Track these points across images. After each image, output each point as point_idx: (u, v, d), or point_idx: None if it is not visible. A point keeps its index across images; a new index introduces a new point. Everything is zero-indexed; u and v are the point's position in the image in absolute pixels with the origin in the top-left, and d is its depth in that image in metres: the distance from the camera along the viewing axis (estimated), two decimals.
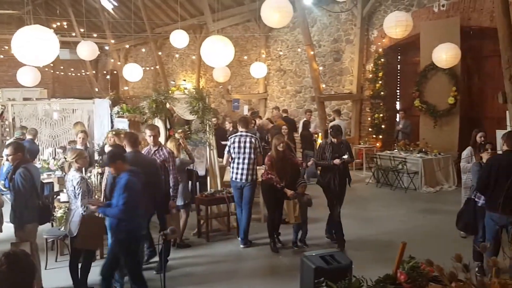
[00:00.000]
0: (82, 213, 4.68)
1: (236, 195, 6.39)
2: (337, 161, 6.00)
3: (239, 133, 6.46)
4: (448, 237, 6.20)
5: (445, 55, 8.71)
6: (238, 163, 6.26)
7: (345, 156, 6.04)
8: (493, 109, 9.78)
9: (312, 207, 6.28)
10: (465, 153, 6.58)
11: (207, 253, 6.13)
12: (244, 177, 6.21)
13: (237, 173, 6.26)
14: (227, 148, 6.46)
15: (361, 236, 6.61)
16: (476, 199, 5.09)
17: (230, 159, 6.40)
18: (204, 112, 7.36)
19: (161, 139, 7.48)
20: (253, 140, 6.33)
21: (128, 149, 5.11)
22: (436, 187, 9.61)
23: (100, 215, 4.60)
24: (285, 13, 6.99)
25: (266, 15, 7.10)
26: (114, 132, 7.98)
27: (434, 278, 2.69)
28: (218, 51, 6.61)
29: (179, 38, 11.29)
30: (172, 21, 17.96)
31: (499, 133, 6.86)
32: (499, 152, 5.23)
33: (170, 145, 6.35)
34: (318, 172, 6.72)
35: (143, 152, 5.68)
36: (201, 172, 7.63)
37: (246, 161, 6.23)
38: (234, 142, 6.34)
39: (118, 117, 9.23)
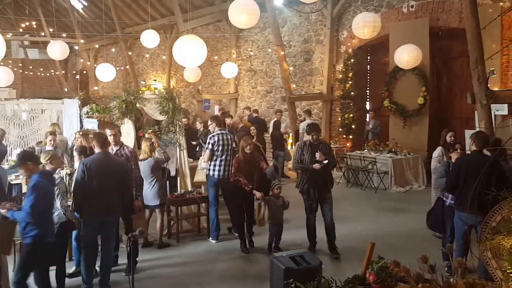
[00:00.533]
0: (63, 214, 4.57)
1: (213, 193, 6.42)
2: (316, 165, 5.62)
3: (219, 131, 6.57)
4: (418, 236, 6.25)
5: (407, 56, 8.86)
6: (221, 161, 6.39)
7: (325, 161, 5.65)
8: (462, 109, 10.02)
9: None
10: (436, 153, 6.64)
11: (177, 254, 6.04)
12: (226, 173, 6.39)
13: (219, 170, 6.38)
14: (209, 146, 6.49)
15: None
16: (444, 199, 5.14)
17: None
18: (174, 113, 7.24)
19: (131, 139, 7.34)
20: (233, 138, 6.67)
21: (96, 150, 4.97)
22: (405, 187, 9.74)
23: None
24: (252, 14, 6.94)
25: (233, 16, 7.03)
26: (81, 133, 7.75)
27: (403, 278, 2.67)
28: (190, 51, 6.45)
29: (149, 38, 11.12)
30: (143, 21, 17.65)
31: (468, 133, 7.01)
32: (468, 152, 5.29)
33: (144, 145, 6.30)
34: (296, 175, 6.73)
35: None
36: (171, 172, 7.46)
37: (229, 157, 6.42)
38: (219, 140, 6.45)
39: (88, 117, 9.03)
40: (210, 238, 6.51)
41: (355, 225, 7.14)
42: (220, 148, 6.41)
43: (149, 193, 6.13)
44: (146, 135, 7.22)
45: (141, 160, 6.19)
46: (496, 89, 8.15)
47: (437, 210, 5.24)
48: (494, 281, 2.98)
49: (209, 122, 6.93)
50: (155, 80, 18.88)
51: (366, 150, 10.53)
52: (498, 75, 8.57)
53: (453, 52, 10.41)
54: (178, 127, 7.26)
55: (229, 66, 12.64)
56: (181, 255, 6.00)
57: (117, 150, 5.67)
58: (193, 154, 8.97)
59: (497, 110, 8.03)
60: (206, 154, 6.56)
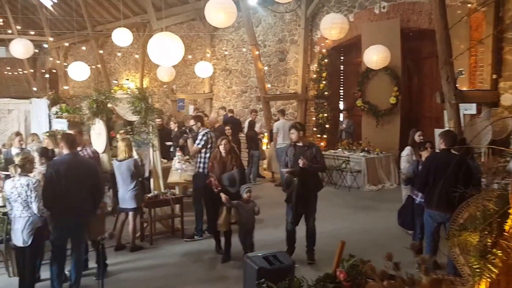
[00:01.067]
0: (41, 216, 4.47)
1: (201, 190, 6.31)
2: (301, 162, 5.18)
3: (206, 130, 6.69)
4: (390, 234, 6.35)
5: (376, 56, 9.00)
6: (208, 158, 6.35)
7: (300, 162, 5.18)
8: (432, 109, 10.25)
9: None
10: (404, 153, 6.71)
11: (150, 257, 5.94)
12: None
13: (206, 168, 6.30)
14: (202, 142, 6.46)
15: (304, 236, 6.59)
16: (414, 197, 5.24)
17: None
18: (147, 113, 7.12)
19: (103, 140, 7.18)
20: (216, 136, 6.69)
21: (65, 151, 4.82)
22: (378, 185, 9.90)
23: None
24: (229, 13, 6.88)
25: (210, 15, 6.94)
26: (48, 134, 7.54)
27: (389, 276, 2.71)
28: (167, 49, 6.25)
29: (121, 36, 10.94)
30: (114, 18, 17.31)
31: (437, 132, 7.16)
32: (437, 151, 5.41)
33: (122, 145, 6.15)
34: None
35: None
36: (145, 173, 7.33)
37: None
38: (211, 137, 6.51)
39: (57, 117, 8.80)
40: (196, 236, 6.48)
41: (328, 224, 7.17)
42: (209, 146, 6.44)
43: (127, 195, 5.99)
44: (118, 136, 7.10)
45: (120, 161, 6.05)
46: (464, 89, 8.40)
47: (407, 208, 5.34)
48: (462, 277, 3.05)
49: (193, 122, 6.91)
50: (127, 80, 18.56)
51: (340, 149, 10.64)
52: (466, 75, 8.81)
53: (423, 52, 10.65)
54: (151, 127, 7.15)
55: (203, 65, 12.55)
56: (155, 258, 5.90)
57: (79, 151, 5.58)
58: (167, 155, 8.84)
59: (466, 110, 8.27)
60: (195, 148, 6.50)
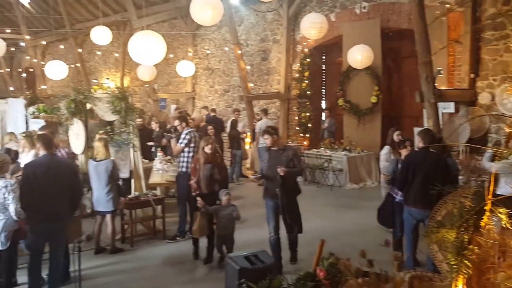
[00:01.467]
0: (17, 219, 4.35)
1: (185, 190, 6.15)
2: (279, 170, 4.91)
3: (190, 129, 6.66)
4: (371, 231, 6.40)
5: (360, 56, 9.08)
6: (192, 157, 6.28)
7: (280, 171, 4.90)
8: (412, 108, 10.39)
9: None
10: (383, 152, 6.77)
11: (130, 259, 5.85)
12: None
13: (190, 167, 6.20)
14: (185, 141, 6.39)
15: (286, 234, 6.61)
16: (394, 195, 5.30)
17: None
18: (127, 112, 7.02)
19: (81, 141, 7.05)
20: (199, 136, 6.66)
21: (42, 152, 4.70)
22: (360, 184, 9.99)
23: None
24: (217, 9, 6.82)
25: (196, 12, 6.85)
26: (24, 134, 7.36)
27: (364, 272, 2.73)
28: (148, 47, 6.14)
29: (100, 35, 10.79)
30: (94, 16, 17.02)
31: (417, 131, 7.26)
32: (416, 149, 5.48)
33: (99, 145, 6.05)
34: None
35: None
36: (125, 174, 7.22)
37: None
38: (194, 136, 6.46)
39: (34, 117, 8.62)
40: (177, 237, 6.40)
41: (311, 223, 7.19)
42: (192, 145, 6.38)
43: (103, 197, 5.88)
44: (97, 136, 6.97)
45: (98, 161, 5.94)
46: (443, 88, 8.54)
47: (387, 206, 5.40)
48: (441, 274, 3.09)
49: (177, 122, 6.84)
50: (108, 79, 18.28)
51: (322, 148, 10.70)
52: (445, 75, 8.97)
53: (403, 52, 10.80)
54: (131, 127, 7.06)
55: (185, 64, 12.46)
56: (135, 260, 5.81)
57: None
58: (149, 155, 8.74)
59: (444, 108, 8.42)
60: (178, 147, 6.43)
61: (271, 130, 5.25)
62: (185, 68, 12.42)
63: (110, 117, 7.14)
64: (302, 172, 5.64)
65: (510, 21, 7.73)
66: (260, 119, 11.00)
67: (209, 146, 5.56)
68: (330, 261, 2.73)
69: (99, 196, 5.91)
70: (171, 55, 15.39)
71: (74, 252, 3.74)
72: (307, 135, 12.31)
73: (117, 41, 16.30)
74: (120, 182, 6.83)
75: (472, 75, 8.54)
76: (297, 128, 12.44)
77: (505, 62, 8.18)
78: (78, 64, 19.52)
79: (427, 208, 4.20)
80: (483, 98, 8.42)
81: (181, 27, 15.30)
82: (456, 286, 2.36)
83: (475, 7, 8.37)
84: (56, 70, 11.38)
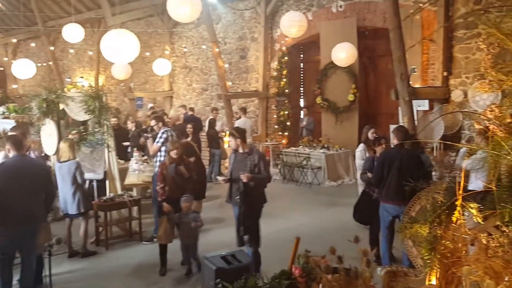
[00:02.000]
0: None
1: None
2: (242, 177, 4.64)
3: (167, 128, 6.61)
4: (348, 228, 6.42)
5: (346, 54, 9.13)
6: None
7: (242, 177, 4.58)
8: (388, 105, 10.53)
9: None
10: (358, 150, 6.83)
11: (105, 262, 5.71)
12: None
13: None
14: (161, 140, 6.32)
15: (265, 233, 6.57)
16: (370, 192, 5.34)
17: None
18: (101, 112, 6.86)
19: (54, 141, 6.85)
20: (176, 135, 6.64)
21: (12, 153, 4.52)
22: (338, 181, 10.07)
23: None
24: (195, 4, 6.73)
25: (174, 9, 6.75)
26: None
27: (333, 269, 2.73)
28: (121, 46, 6.05)
29: (72, 32, 10.51)
30: (67, 13, 16.62)
31: (392, 128, 7.35)
32: (391, 146, 5.54)
33: (64, 145, 5.88)
34: None
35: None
36: (99, 175, 7.06)
37: None
38: (171, 136, 6.39)
39: (4, 118, 8.37)
40: (154, 239, 6.19)
41: (289, 221, 7.24)
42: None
43: (69, 199, 5.71)
44: (70, 136, 6.81)
45: (62, 162, 5.78)
46: (417, 86, 8.69)
47: (363, 203, 5.44)
48: (416, 269, 3.13)
49: (154, 122, 6.73)
50: (82, 77, 17.90)
51: (301, 146, 10.74)
52: (419, 73, 9.12)
53: (379, 50, 10.93)
54: (106, 127, 6.90)
55: (161, 62, 12.29)
56: (111, 262, 5.69)
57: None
58: (124, 156, 8.57)
59: (419, 106, 8.56)
60: (155, 147, 6.34)
61: (235, 133, 4.95)
62: (161, 67, 12.24)
63: (83, 116, 6.97)
64: (268, 179, 4.92)
65: (481, 20, 7.91)
66: (239, 117, 10.95)
67: (175, 151, 5.40)
68: (306, 258, 2.73)
69: (65, 198, 5.74)
70: (148, 53, 15.19)
71: (45, 256, 3.61)
72: (286, 134, 12.34)
73: (91, 39, 16.00)
74: (95, 184, 6.70)
75: (445, 73, 8.71)
76: (276, 126, 12.45)
77: (477, 60, 8.37)
78: (50, 63, 19.04)
79: (402, 204, 4.24)
80: (456, 95, 8.61)
81: (157, 24, 15.09)
82: (429, 280, 2.38)
83: (447, 6, 8.54)
84: (24, 68, 10.96)
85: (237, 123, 10.37)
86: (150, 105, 14.41)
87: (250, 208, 4.78)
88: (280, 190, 9.67)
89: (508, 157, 1.85)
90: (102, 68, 17.55)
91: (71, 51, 18.45)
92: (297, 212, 7.77)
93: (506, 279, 1.65)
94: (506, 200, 1.89)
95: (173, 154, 5.41)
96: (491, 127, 2.33)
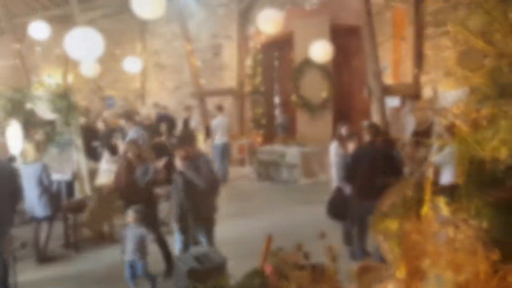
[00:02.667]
0: None
1: None
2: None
3: (137, 127, 6.66)
4: (323, 225, 6.44)
5: (323, 51, 9.16)
6: None
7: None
8: (361, 102, 10.64)
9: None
10: (331, 147, 6.86)
11: (74, 267, 5.53)
12: None
13: None
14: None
15: (238, 231, 6.55)
16: (343, 188, 5.37)
17: None
18: (69, 111, 6.65)
19: (19, 143, 6.59)
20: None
21: None
22: (313, 178, 10.10)
23: None
24: (157, 2, 6.61)
25: (138, 6, 6.63)
26: None
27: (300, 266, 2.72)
28: (84, 44, 5.98)
29: (38, 30, 10.20)
30: (33, 10, 16.10)
31: (364, 125, 7.41)
32: (364, 142, 5.57)
33: (29, 147, 5.72)
34: None
35: None
36: (68, 176, 6.84)
37: None
38: (143, 135, 6.42)
39: None
40: None
41: (263, 219, 7.20)
42: (140, 143, 6.11)
43: (36, 202, 5.50)
44: (37, 136, 6.58)
45: (27, 164, 5.56)
46: (389, 83, 8.82)
47: (336, 199, 5.46)
48: (387, 263, 3.14)
49: (123, 121, 6.59)
50: (49, 76, 17.37)
51: (276, 144, 10.73)
52: (391, 70, 9.26)
53: (352, 48, 11.02)
54: (74, 127, 6.70)
55: (132, 60, 12.03)
56: (82, 266, 5.53)
57: None
58: (94, 156, 8.34)
59: (391, 103, 8.69)
60: (124, 147, 6.14)
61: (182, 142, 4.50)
62: (131, 64, 11.99)
63: (50, 116, 6.76)
64: (215, 186, 4.42)
65: (449, 17, 8.08)
66: (216, 116, 10.86)
67: (131, 152, 5.12)
68: (278, 255, 2.70)
69: (31, 201, 5.53)
70: (118, 51, 14.84)
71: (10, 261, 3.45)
72: (261, 131, 12.31)
73: (59, 36, 15.50)
74: (63, 185, 6.49)
75: (416, 70, 8.86)
76: (251, 124, 12.40)
77: (446, 57, 8.54)
78: (16, 61, 18.38)
79: (374, 200, 4.25)
80: (426, 92, 8.77)
81: (128, 21, 14.77)
82: (399, 274, 2.39)
83: (417, 3, 8.68)
84: None
85: (215, 122, 10.29)
86: (120, 104, 14.10)
87: (195, 216, 4.30)
88: (256, 188, 9.65)
89: (474, 152, 1.86)
90: (71, 66, 17.06)
91: (38, 49, 17.86)
92: (272, 210, 7.75)
93: (467, 271, 1.67)
94: (472, 193, 1.90)
95: (131, 155, 5.11)
96: (457, 122, 2.34)
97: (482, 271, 1.67)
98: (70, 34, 6.07)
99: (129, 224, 4.56)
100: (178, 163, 4.24)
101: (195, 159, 4.31)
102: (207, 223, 4.42)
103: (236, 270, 4.90)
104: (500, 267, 1.65)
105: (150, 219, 4.72)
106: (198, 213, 4.29)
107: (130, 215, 4.55)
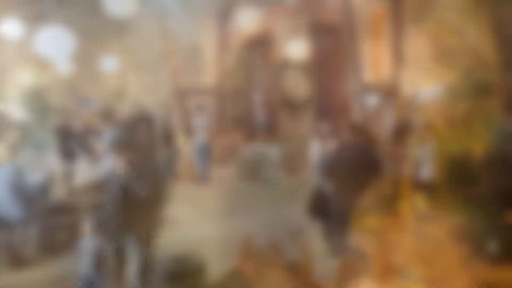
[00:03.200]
0: None
1: None
2: None
3: (115, 128, 6.74)
4: (303, 223, 6.42)
5: (302, 49, 9.15)
6: None
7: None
8: (341, 100, 10.62)
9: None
10: (312, 145, 6.88)
11: (49, 272, 5.37)
12: None
13: None
14: (107, 141, 5.77)
15: (221, 231, 6.46)
16: (323, 185, 5.37)
17: None
18: (43, 112, 6.52)
19: None
20: None
21: None
22: (294, 176, 10.07)
23: None
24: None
25: (110, 2, 6.49)
26: None
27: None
28: (55, 42, 5.90)
29: (11, 27, 9.90)
30: (6, 7, 15.62)
31: (345, 123, 7.44)
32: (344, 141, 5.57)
33: (0, 149, 5.45)
34: None
35: None
36: (42, 179, 6.66)
37: None
38: (121, 135, 5.83)
39: None
40: None
41: (245, 219, 7.15)
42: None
43: (8, 206, 5.33)
44: (8, 138, 6.38)
45: None
46: (369, 80, 8.87)
47: (316, 197, 5.45)
48: (365, 258, 3.15)
49: (99, 121, 6.42)
50: (22, 75, 16.91)
51: (257, 142, 10.67)
52: (371, 68, 9.31)
53: (332, 46, 11.03)
54: (49, 128, 6.55)
55: (109, 59, 11.80)
56: (55, 271, 5.39)
57: None
58: (69, 157, 8.14)
59: (371, 100, 8.75)
60: (101, 148, 6.16)
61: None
62: (109, 63, 11.76)
63: (23, 117, 6.59)
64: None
65: (427, 16, 8.16)
66: (197, 115, 10.77)
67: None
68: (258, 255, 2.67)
69: (3, 204, 5.35)
70: (94, 49, 14.53)
71: None
72: (242, 130, 12.23)
73: (34, 34, 15.09)
74: (37, 187, 6.30)
75: (395, 68, 8.93)
76: (232, 123, 12.31)
77: (424, 55, 8.62)
78: None
79: (355, 197, 4.26)
80: (405, 89, 8.83)
81: (106, 19, 14.50)
82: (377, 269, 2.39)
83: (397, 1, 8.74)
84: None
85: (196, 121, 10.23)
86: (95, 103, 13.81)
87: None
88: (236, 187, 9.58)
89: (450, 148, 1.85)
90: (45, 65, 16.67)
91: (11, 47, 17.37)
92: (253, 209, 7.70)
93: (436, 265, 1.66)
94: (449, 190, 1.89)
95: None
96: (435, 120, 2.34)
97: (455, 265, 1.67)
98: (42, 32, 5.90)
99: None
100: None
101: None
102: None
103: (216, 270, 4.90)
104: (473, 261, 1.65)
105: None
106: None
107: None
